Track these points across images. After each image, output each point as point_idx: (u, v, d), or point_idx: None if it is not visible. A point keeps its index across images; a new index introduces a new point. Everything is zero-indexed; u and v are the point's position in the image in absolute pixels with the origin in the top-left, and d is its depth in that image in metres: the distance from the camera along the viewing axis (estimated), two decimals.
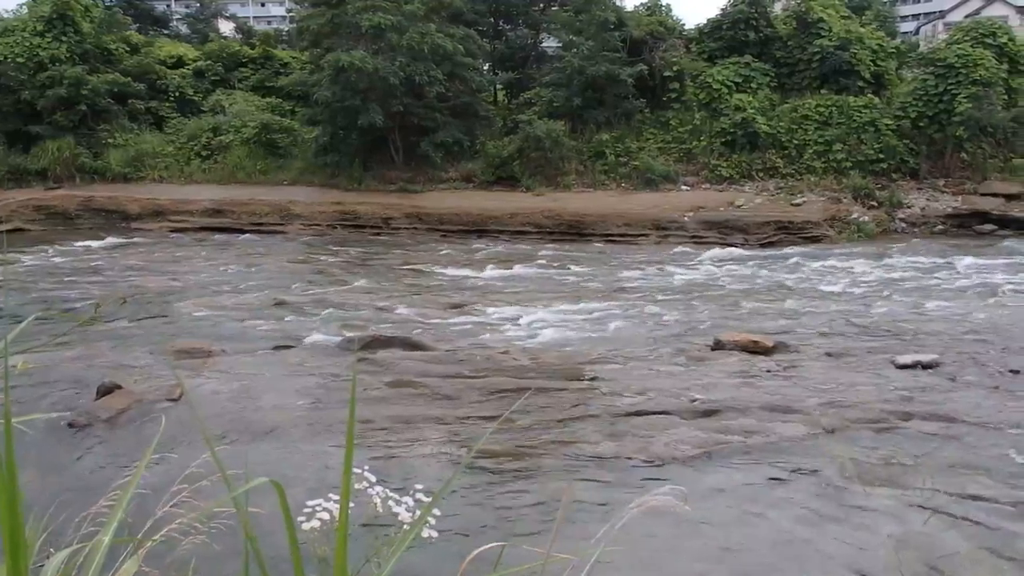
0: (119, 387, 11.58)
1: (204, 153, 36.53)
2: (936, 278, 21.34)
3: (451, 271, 23.29)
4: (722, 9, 36.71)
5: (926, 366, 12.79)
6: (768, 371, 12.70)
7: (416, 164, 34.08)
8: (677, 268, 23.65)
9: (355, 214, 31.43)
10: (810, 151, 32.36)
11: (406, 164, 34.21)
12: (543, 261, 25.00)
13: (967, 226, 29.05)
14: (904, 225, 29.44)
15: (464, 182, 33.74)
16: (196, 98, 39.68)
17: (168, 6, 72.19)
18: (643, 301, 18.94)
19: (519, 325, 16.64)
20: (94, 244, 28.09)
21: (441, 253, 26.62)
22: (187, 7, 74.46)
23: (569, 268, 23.82)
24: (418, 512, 1.84)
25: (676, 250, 26.61)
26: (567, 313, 17.62)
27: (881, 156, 31.80)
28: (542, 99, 35.22)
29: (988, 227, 28.82)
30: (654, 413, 10.77)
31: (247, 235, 30.42)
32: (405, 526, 1.81)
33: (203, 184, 34.80)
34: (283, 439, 10.06)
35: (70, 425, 10.48)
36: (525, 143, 32.80)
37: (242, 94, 40.10)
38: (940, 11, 70.34)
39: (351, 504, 1.49)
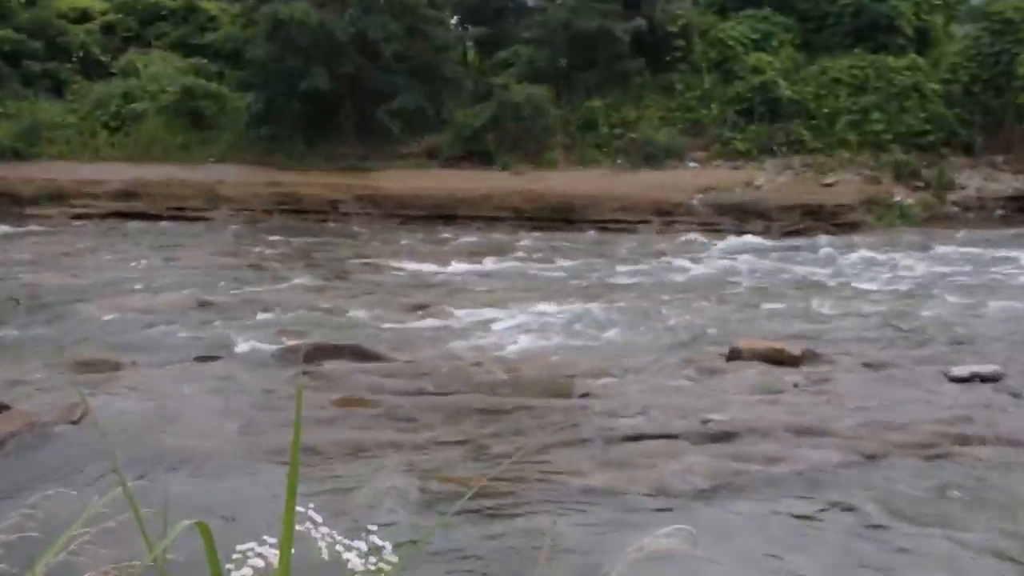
0: (7, 407, 11.42)
1: (113, 124, 36.28)
2: (995, 273, 21.46)
3: (412, 265, 23.25)
4: None
5: (985, 379, 12.78)
6: (795, 386, 12.68)
7: (370, 137, 33.99)
8: (684, 261, 23.69)
9: (296, 197, 31.36)
10: (842, 121, 32.47)
11: (358, 137, 34.12)
12: (522, 253, 25.03)
13: None
14: (956, 210, 29.58)
15: (427, 158, 33.72)
16: (104, 59, 39.41)
17: None
18: (643, 301, 18.91)
19: (494, 331, 16.57)
20: None
21: (400, 244, 26.62)
22: None
23: (554, 261, 23.83)
24: (372, 560, 1.82)
25: (683, 239, 26.71)
26: (552, 316, 17.56)
27: (927, 127, 31.95)
28: (521, 59, 35.24)
29: None
30: (657, 437, 10.70)
31: (165, 223, 30.26)
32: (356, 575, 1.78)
33: (112, 162, 34.55)
34: (208, 470, 9.95)
35: None
36: (500, 111, 32.78)
37: (160, 53, 39.85)
38: None
39: (291, 550, 1.48)
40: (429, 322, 17.25)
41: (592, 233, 28.09)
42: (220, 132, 35.67)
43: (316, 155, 33.88)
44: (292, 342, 15.10)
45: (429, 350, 15.03)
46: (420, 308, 18.27)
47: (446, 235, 28.08)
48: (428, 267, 23.05)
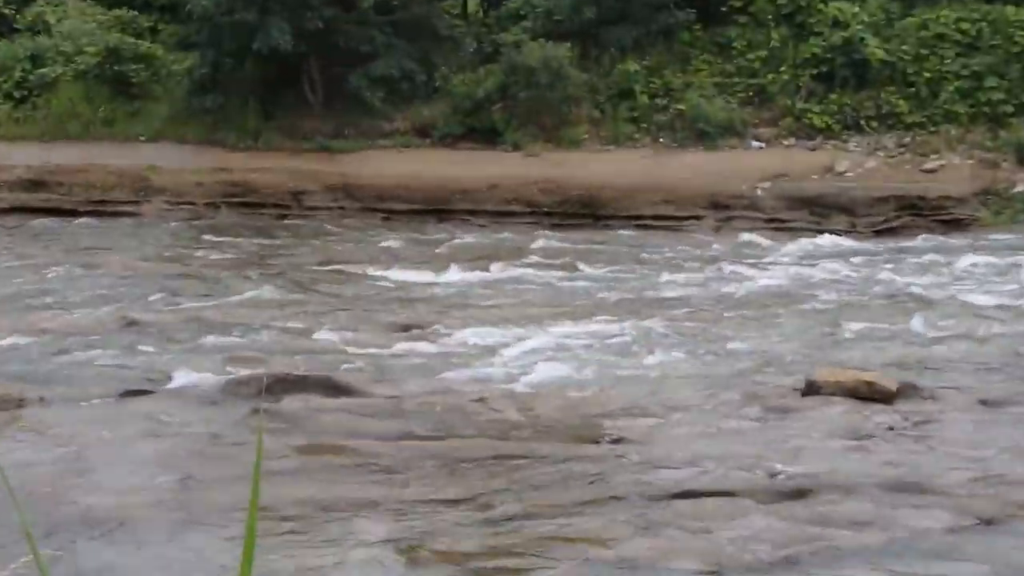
0: None
1: (19, 94, 36.26)
2: None
3: (397, 273, 23.28)
4: None
5: None
6: (889, 428, 12.61)
7: (343, 109, 33.97)
8: (746, 268, 23.72)
9: (250, 186, 31.34)
10: (949, 88, 32.34)
11: (328, 110, 34.10)
12: (538, 258, 25.01)
13: None
14: None
15: (417, 136, 33.62)
16: (7, 11, 39.45)
17: None
18: (693, 320, 18.92)
19: (501, 357, 16.57)
20: None
21: (382, 246, 26.67)
22: None
23: (579, 269, 23.86)
24: None
25: (744, 240, 26.79)
26: (575, 339, 17.54)
27: None
28: (536, 10, 35.15)
29: None
30: (712, 494, 10.69)
31: (83, 219, 30.32)
32: None
33: (16, 141, 34.55)
34: (137, 536, 9.96)
35: None
36: (510, 77, 32.72)
37: (77, 4, 39.86)
38: None
39: None
40: (418, 346, 17.25)
41: (627, 232, 28.04)
42: (153, 104, 35.56)
43: (275, 133, 33.78)
44: (244, 372, 15.11)
45: (418, 383, 15.02)
46: (407, 329, 18.28)
47: (440, 235, 28.04)
48: (418, 276, 23.04)
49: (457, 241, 27.31)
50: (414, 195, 30.35)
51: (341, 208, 30.48)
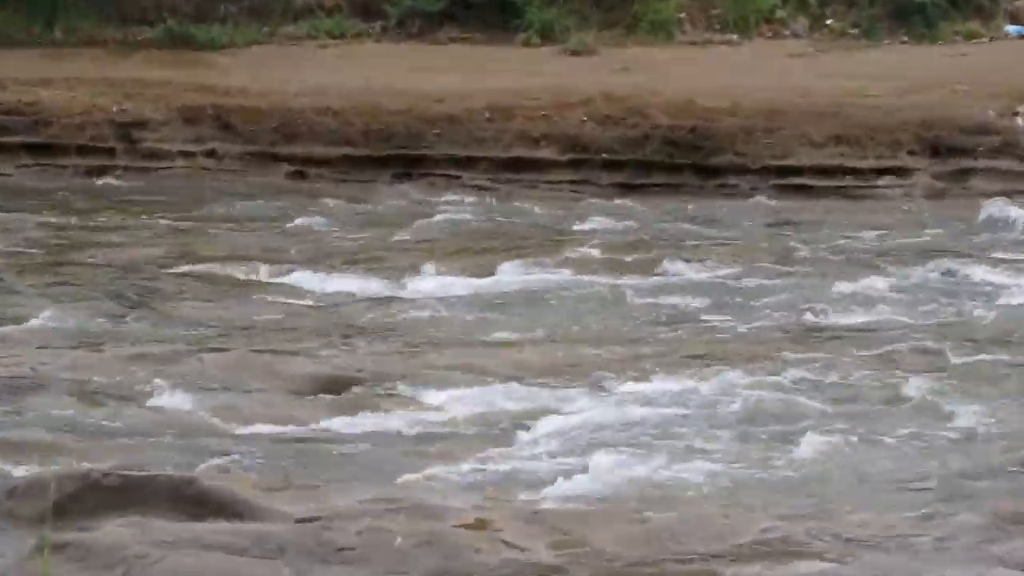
0: None
1: None
2: None
3: (318, 280, 23.46)
4: None
5: None
6: None
7: None
8: (996, 271, 23.86)
9: (38, 115, 31.44)
10: None
11: None
12: (591, 249, 25.12)
13: None
14: None
15: (358, 18, 33.87)
16: None
17: None
18: (890, 368, 18.90)
19: (519, 440, 16.53)
20: None
21: (290, 227, 26.84)
22: None
23: (668, 272, 23.94)
24: None
25: (991, 215, 26.83)
26: (660, 406, 17.52)
27: None
28: None
29: None
30: None
31: None
32: None
33: None
34: None
35: None
36: None
37: None
38: None
39: None
40: (359, 420, 17.16)
41: (764, 200, 28.26)
42: None
43: (86, 14, 34.04)
44: (23, 472, 14.92)
45: (359, 491, 14.65)
46: (338, 387, 18.23)
47: (402, 202, 28.51)
48: (359, 285, 23.23)
49: (437, 217, 27.40)
50: (352, 130, 30.37)
51: (211, 154, 30.50)
